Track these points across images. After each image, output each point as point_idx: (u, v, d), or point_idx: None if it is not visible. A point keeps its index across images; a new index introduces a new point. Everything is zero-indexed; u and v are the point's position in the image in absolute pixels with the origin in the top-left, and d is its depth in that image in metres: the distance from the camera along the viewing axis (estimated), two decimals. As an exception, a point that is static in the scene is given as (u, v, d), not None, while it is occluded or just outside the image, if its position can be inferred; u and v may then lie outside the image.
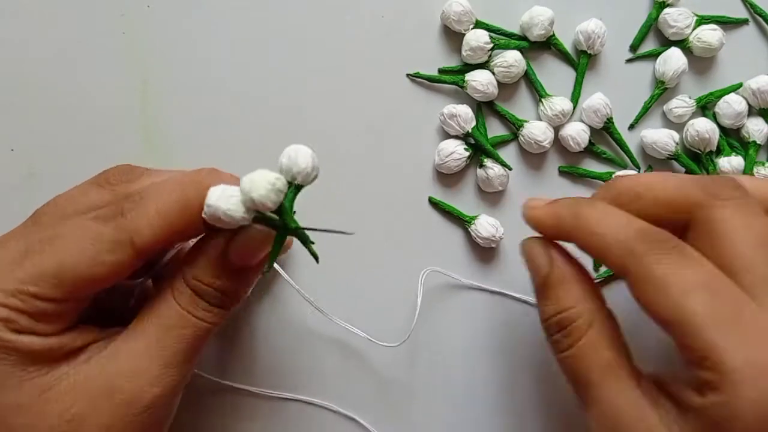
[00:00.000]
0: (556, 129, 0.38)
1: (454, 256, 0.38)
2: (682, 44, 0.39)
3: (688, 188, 0.29)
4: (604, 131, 0.38)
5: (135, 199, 0.27)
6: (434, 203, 0.38)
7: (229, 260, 0.28)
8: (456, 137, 0.38)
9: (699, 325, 0.25)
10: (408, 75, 0.38)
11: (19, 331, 0.26)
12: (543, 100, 0.38)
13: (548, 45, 0.39)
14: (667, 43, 0.39)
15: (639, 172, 0.39)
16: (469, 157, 0.38)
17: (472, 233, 0.37)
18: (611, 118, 0.38)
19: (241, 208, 0.26)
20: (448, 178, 0.38)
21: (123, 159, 0.37)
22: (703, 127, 0.37)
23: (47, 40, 0.37)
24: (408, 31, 0.38)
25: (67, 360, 0.27)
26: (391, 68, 0.38)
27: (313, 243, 0.28)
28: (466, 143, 0.38)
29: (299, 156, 0.26)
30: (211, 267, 0.28)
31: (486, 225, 0.37)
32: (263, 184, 0.25)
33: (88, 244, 0.26)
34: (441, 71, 0.38)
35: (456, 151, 0.37)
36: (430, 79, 0.38)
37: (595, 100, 0.38)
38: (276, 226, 0.27)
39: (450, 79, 0.38)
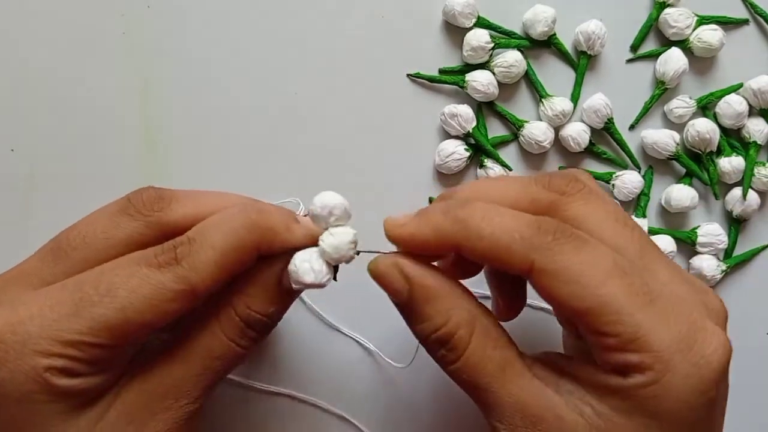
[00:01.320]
0: (557, 129, 0.38)
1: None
2: (683, 44, 0.39)
3: (533, 192, 0.29)
4: (605, 131, 0.38)
5: (185, 242, 0.27)
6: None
7: (282, 286, 0.28)
8: (456, 137, 0.38)
9: (621, 309, 0.25)
10: (408, 75, 0.38)
11: (71, 376, 0.26)
12: (543, 100, 0.38)
13: (548, 44, 0.38)
14: (667, 43, 0.39)
15: (639, 172, 0.39)
16: (469, 157, 0.38)
17: None
18: (611, 118, 0.38)
19: (326, 269, 0.27)
20: (448, 178, 0.38)
21: (123, 159, 0.37)
22: (703, 128, 0.37)
23: (47, 40, 0.37)
24: (408, 31, 0.38)
25: (107, 391, 0.27)
26: (392, 68, 0.38)
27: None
28: (467, 143, 0.38)
29: (337, 209, 0.28)
30: (266, 295, 0.28)
31: None
32: (347, 246, 0.27)
33: (149, 294, 0.26)
34: (441, 72, 0.38)
35: (456, 151, 0.37)
36: (431, 79, 0.38)
37: (596, 100, 0.38)
38: None
39: (450, 80, 0.38)
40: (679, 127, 0.39)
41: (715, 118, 0.39)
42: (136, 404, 0.27)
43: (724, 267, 0.38)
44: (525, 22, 0.38)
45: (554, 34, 0.38)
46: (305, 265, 0.27)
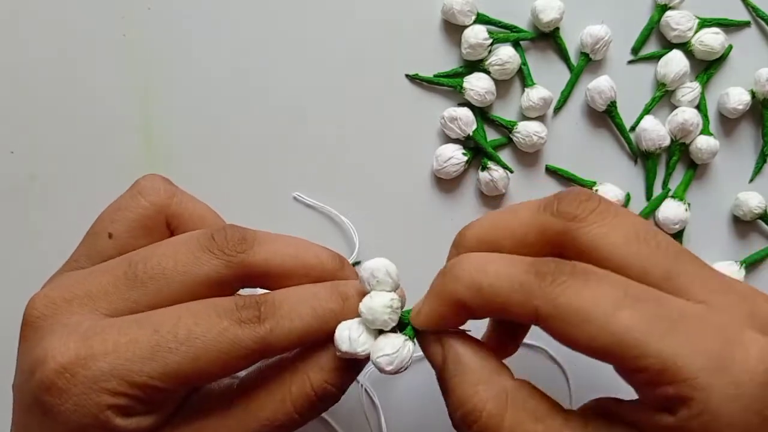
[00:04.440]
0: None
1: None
2: (684, 47, 0.39)
3: (542, 221, 0.26)
4: (606, 115, 0.38)
5: (270, 302, 0.27)
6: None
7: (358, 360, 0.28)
8: (456, 140, 0.38)
9: (639, 340, 0.23)
10: (407, 75, 0.38)
11: (130, 415, 0.25)
12: (526, 88, 0.38)
13: (549, 38, 0.38)
14: (669, 45, 0.39)
15: (636, 162, 0.39)
16: (467, 161, 0.37)
17: None
18: (615, 102, 0.38)
19: (371, 340, 0.27)
20: (446, 183, 0.38)
21: (123, 161, 0.37)
22: (690, 118, 0.37)
23: (48, 42, 0.38)
24: (407, 31, 0.38)
25: (162, 427, 0.27)
26: (391, 69, 0.38)
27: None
28: (465, 147, 0.38)
29: (379, 272, 0.28)
30: (344, 370, 0.28)
31: None
32: (381, 311, 0.27)
33: (224, 348, 0.25)
34: (437, 76, 0.38)
35: (454, 156, 0.37)
36: (429, 81, 0.38)
37: (602, 81, 0.37)
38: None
39: (448, 83, 0.38)
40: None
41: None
42: None
43: (743, 270, 0.38)
44: (535, 7, 0.37)
45: (558, 28, 0.38)
46: (344, 333, 0.27)
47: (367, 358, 0.27)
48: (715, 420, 0.22)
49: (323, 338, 0.27)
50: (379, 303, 0.27)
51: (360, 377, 0.36)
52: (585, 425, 0.25)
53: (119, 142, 0.38)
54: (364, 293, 0.28)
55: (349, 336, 0.27)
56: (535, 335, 0.37)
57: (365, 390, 0.37)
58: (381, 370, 0.27)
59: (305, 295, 0.27)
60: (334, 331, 0.27)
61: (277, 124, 0.38)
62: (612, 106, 0.38)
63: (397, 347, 0.27)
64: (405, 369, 0.27)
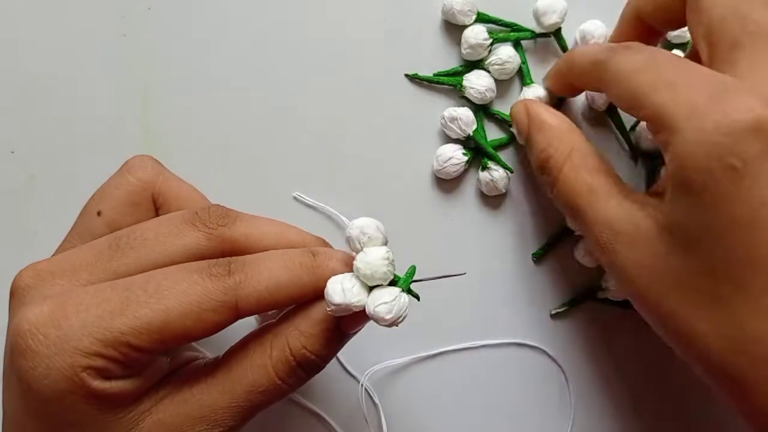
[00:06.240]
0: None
1: (452, 259, 0.38)
2: (685, 47, 0.39)
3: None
4: (606, 114, 0.38)
5: (241, 260, 0.27)
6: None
7: (341, 329, 0.28)
8: (456, 140, 0.38)
9: (643, 92, 0.27)
10: (406, 75, 0.38)
11: (109, 378, 0.26)
12: (524, 87, 0.38)
13: (549, 36, 0.38)
14: (669, 45, 0.39)
15: (636, 162, 0.39)
16: (467, 161, 0.37)
17: None
18: None
19: (364, 293, 0.27)
20: (447, 183, 0.38)
21: (123, 161, 0.37)
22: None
23: (48, 42, 0.38)
24: (407, 31, 0.38)
25: (147, 395, 0.27)
26: (391, 69, 0.38)
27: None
28: (465, 147, 0.38)
29: (369, 228, 0.28)
30: (325, 336, 0.28)
31: None
32: (380, 263, 0.27)
33: (194, 300, 0.26)
34: (438, 75, 0.38)
35: (454, 156, 0.37)
36: (429, 80, 0.38)
37: None
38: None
39: (448, 81, 0.38)
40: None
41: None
42: (170, 424, 0.27)
43: None
44: (537, 9, 0.37)
45: (560, 28, 0.38)
46: (336, 285, 0.27)
47: (358, 319, 0.27)
48: (681, 166, 0.25)
49: (297, 294, 0.27)
50: (376, 256, 0.27)
51: (360, 377, 0.36)
52: (627, 192, 0.30)
53: (119, 142, 0.38)
54: (350, 258, 0.28)
55: (342, 287, 0.27)
56: (536, 335, 0.37)
57: (365, 390, 0.37)
58: (379, 321, 0.27)
59: (276, 253, 0.28)
60: (307, 289, 0.27)
61: (277, 124, 0.38)
62: (612, 105, 0.38)
63: (394, 296, 0.27)
64: (401, 321, 0.27)
